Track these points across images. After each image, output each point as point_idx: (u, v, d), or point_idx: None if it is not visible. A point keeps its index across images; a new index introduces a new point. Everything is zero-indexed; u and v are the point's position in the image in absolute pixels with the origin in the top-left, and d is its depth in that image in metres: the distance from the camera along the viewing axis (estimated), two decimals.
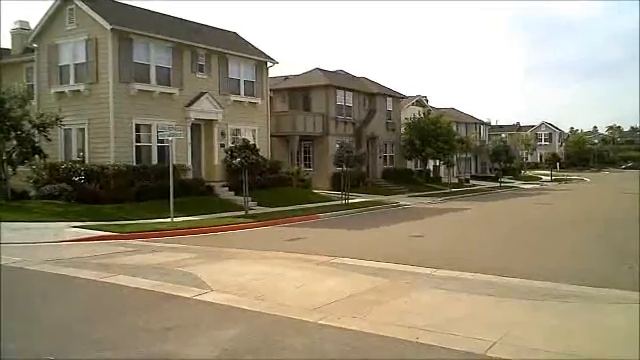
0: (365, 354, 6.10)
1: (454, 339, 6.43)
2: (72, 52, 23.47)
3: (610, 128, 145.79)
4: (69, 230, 16.41)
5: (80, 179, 21.28)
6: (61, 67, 23.84)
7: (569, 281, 9.66)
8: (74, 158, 22.95)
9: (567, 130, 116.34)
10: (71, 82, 23.41)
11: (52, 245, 14.08)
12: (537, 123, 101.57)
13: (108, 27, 22.12)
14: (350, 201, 26.84)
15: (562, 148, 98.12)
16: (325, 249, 13.52)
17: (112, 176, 21.32)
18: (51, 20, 24.08)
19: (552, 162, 67.22)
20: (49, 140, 21.50)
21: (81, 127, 23.08)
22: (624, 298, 8.54)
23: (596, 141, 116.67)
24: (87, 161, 22.47)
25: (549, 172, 64.37)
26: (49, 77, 24.15)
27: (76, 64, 23.34)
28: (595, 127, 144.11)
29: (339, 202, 26.56)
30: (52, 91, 23.81)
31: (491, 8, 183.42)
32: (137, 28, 23.32)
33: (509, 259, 12.47)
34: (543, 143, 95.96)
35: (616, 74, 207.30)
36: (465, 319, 7.34)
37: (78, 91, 23.07)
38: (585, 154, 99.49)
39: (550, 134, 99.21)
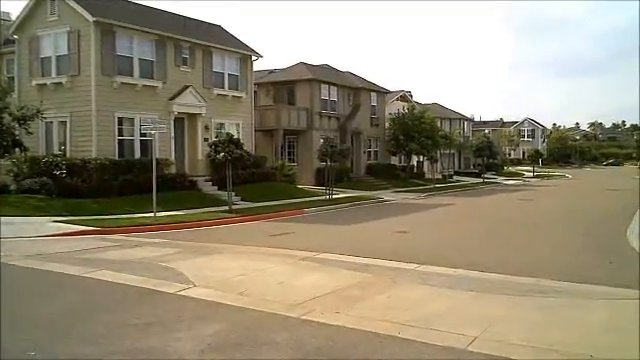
0: (347, 349, 6.12)
1: (436, 334, 6.48)
2: (54, 44, 23.19)
3: (592, 125, 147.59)
4: (51, 225, 16.26)
5: (62, 173, 21.04)
6: (43, 59, 23.55)
7: (551, 277, 9.76)
8: (55, 152, 22.68)
9: (550, 126, 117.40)
10: (53, 74, 23.15)
11: (34, 240, 13.94)
12: (520, 119, 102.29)
13: (91, 19, 21.88)
14: (334, 196, 26.85)
15: (544, 144, 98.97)
16: (309, 244, 13.51)
17: (94, 170, 21.13)
18: (32, 11, 23.78)
19: (534, 158, 67.79)
20: (30, 133, 21.19)
21: (63, 120, 22.84)
22: (605, 294, 8.65)
23: (578, 137, 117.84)
24: (69, 155, 22.25)
25: (531, 168, 64.90)
26: (30, 69, 23.87)
27: (58, 56, 23.08)
28: (577, 124, 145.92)
29: (323, 197, 26.57)
30: (33, 83, 23.53)
31: (477, 5, 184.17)
32: (120, 20, 23.08)
33: (491, 255, 12.56)
34: (526, 139, 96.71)
35: (598, 72, 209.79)
36: (447, 314, 7.39)
37: (60, 83, 22.82)
38: (567, 150, 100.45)
39: (533, 130, 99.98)
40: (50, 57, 23.30)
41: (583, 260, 12.04)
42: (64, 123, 22.84)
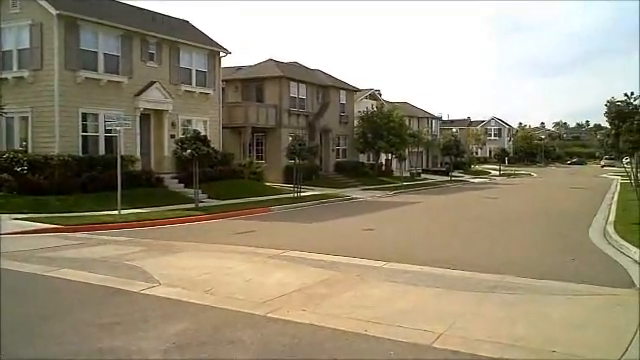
0: (314, 347, 6.09)
1: (402, 331, 6.50)
2: (15, 37, 22.59)
3: (557, 124, 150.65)
4: (11, 222, 15.87)
5: (23, 170, 20.51)
6: (4, 52, 22.91)
7: (515, 273, 9.87)
8: (17, 148, 22.15)
9: (516, 126, 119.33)
10: (14, 68, 22.55)
11: None
12: (487, 118, 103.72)
13: (54, 12, 21.39)
14: (302, 194, 26.82)
15: (511, 143, 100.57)
16: (276, 242, 13.46)
17: (57, 167, 20.68)
18: None
19: (501, 157, 68.80)
20: None
21: (24, 115, 22.28)
22: (568, 290, 8.78)
23: (543, 137, 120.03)
24: (30, 151, 21.72)
25: (498, 167, 65.86)
26: None
27: (19, 50, 22.49)
28: (542, 123, 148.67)
29: (291, 195, 26.50)
30: None
31: (445, 5, 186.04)
32: (85, 14, 22.60)
33: (457, 252, 12.68)
34: (492, 138, 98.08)
35: (563, 73, 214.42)
36: (413, 311, 7.43)
37: (21, 78, 22.25)
38: (533, 149, 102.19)
39: (499, 129, 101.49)
40: (11, 51, 22.68)
41: (547, 257, 12.22)
42: (25, 118, 22.29)
